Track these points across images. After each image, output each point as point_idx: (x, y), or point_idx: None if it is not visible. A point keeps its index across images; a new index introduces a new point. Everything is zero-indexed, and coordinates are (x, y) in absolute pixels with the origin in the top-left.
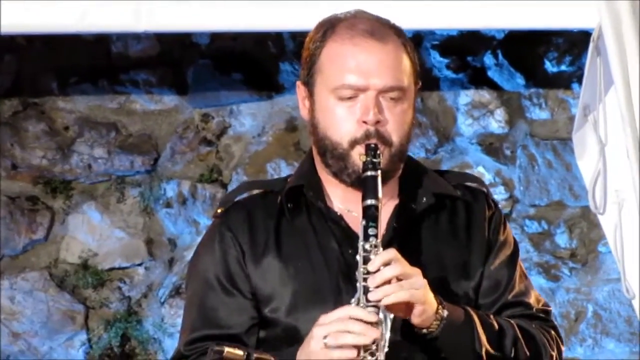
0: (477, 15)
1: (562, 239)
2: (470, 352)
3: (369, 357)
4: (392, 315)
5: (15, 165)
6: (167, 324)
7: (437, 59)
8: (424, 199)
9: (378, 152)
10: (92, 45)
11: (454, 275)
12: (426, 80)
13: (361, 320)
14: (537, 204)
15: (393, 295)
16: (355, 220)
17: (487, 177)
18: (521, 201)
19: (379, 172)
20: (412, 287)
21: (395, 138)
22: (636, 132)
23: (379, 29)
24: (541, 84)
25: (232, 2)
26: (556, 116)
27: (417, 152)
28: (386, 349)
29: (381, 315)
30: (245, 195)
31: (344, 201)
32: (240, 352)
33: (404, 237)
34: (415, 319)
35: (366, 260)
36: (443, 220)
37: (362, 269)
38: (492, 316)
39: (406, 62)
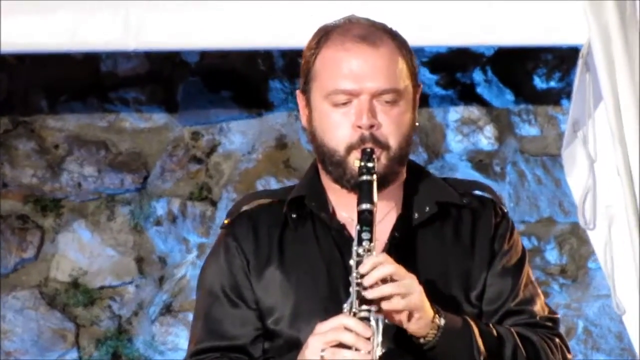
0: (466, 32)
1: (552, 255)
2: None
3: None
4: (383, 318)
5: (5, 184)
6: (157, 342)
7: (426, 76)
8: (427, 208)
9: (373, 156)
10: (81, 63)
11: (457, 285)
12: None
13: (355, 332)
14: (527, 220)
15: (389, 295)
16: None
17: None
18: (511, 217)
19: (374, 176)
20: (407, 290)
21: (392, 141)
22: (626, 148)
23: (372, 33)
24: (530, 100)
25: (221, 20)
26: (546, 132)
27: None
28: (379, 353)
29: (373, 321)
30: (250, 205)
31: (347, 209)
32: None
33: (405, 247)
34: (411, 326)
35: (359, 265)
36: (447, 228)
37: (355, 273)
38: (491, 325)
39: (402, 65)
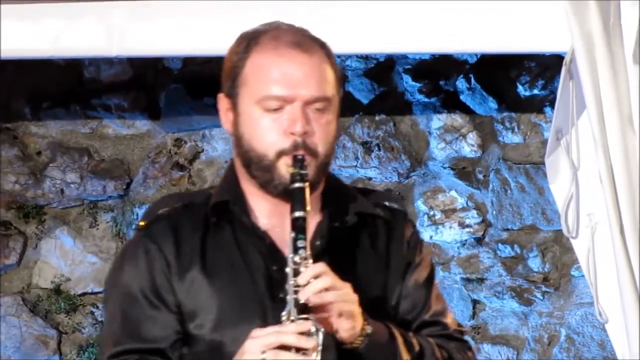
0: (450, 39)
1: (534, 263)
2: None
3: None
4: (323, 329)
5: None
6: None
7: (409, 83)
8: (347, 218)
9: (305, 163)
10: (64, 69)
11: (375, 294)
12: (398, 104)
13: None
14: (509, 228)
15: (330, 302)
16: (279, 235)
17: (460, 201)
18: (494, 225)
19: (307, 183)
20: (343, 300)
21: (321, 149)
22: (609, 156)
23: (304, 40)
24: (514, 108)
25: (204, 27)
26: (529, 140)
27: (389, 176)
28: None
29: (313, 329)
30: (167, 208)
31: (269, 215)
32: None
33: (326, 255)
34: (343, 334)
35: (296, 273)
36: (364, 238)
37: (292, 282)
38: (411, 334)
39: (330, 73)
